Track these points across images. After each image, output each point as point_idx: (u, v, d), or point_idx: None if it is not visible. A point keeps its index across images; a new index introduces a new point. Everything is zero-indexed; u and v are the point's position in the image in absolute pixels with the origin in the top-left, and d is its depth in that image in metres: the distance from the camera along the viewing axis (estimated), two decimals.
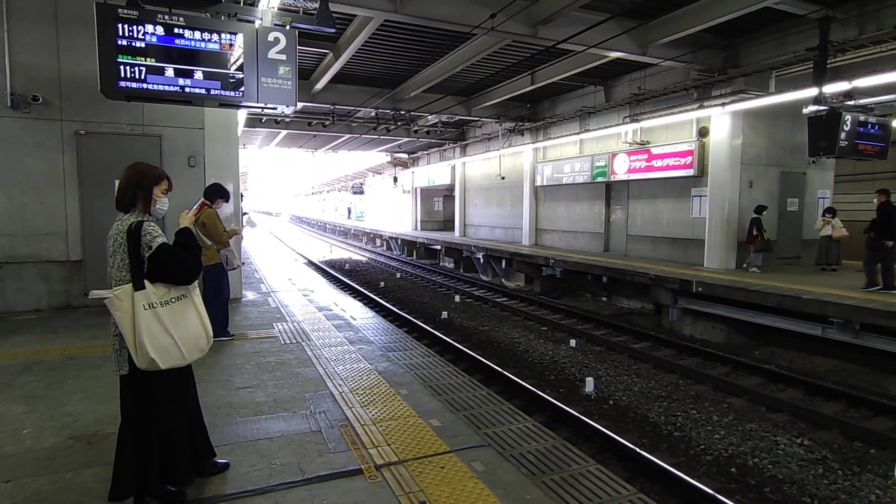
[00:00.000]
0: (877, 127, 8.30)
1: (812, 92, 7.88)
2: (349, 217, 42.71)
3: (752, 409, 5.99)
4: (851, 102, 8.01)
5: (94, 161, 6.79)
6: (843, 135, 7.86)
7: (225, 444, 3.04)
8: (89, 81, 5.55)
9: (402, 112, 14.71)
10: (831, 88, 7.89)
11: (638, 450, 4.67)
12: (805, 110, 8.05)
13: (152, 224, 2.39)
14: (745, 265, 10.21)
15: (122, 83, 3.91)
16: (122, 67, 3.89)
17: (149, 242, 2.33)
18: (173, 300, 2.39)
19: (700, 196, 11.00)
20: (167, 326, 2.34)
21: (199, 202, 5.26)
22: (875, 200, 7.99)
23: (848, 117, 7.87)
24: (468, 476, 2.76)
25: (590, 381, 6.61)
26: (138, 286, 2.30)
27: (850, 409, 6.00)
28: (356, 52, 10.15)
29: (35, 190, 6.69)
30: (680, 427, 5.49)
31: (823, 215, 10.45)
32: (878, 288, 7.75)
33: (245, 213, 6.21)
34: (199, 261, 2.54)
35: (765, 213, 10.07)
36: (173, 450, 2.43)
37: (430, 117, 16.55)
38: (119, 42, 3.87)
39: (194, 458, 2.58)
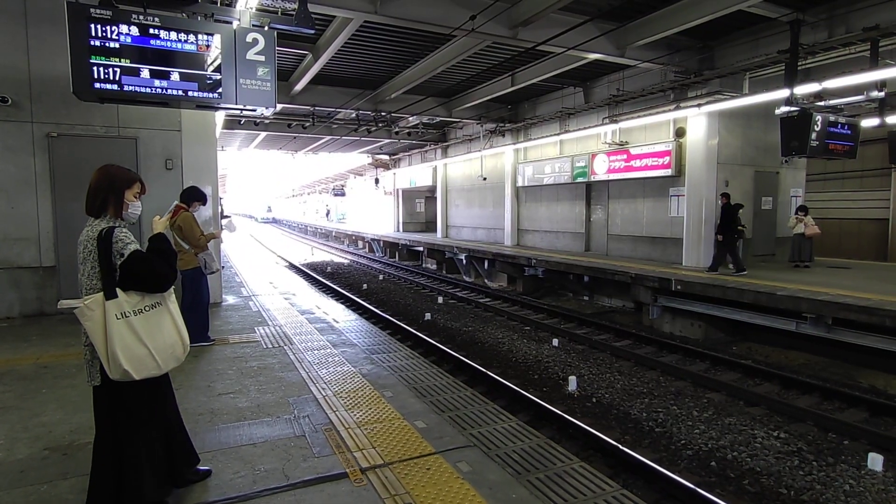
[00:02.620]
0: (846, 127, 8.55)
1: (784, 93, 8.08)
2: (327, 218, 42.39)
3: (731, 404, 6.11)
4: (822, 103, 8.23)
5: (68, 164, 6.62)
6: (814, 135, 8.08)
7: (207, 451, 3.00)
8: (61, 82, 5.43)
9: (382, 113, 14.66)
10: (802, 90, 8.11)
11: (620, 446, 4.73)
12: (777, 111, 8.25)
13: (124, 230, 2.31)
14: (729, 265, 10.41)
15: (96, 84, 3.82)
16: (95, 68, 3.80)
17: (120, 250, 2.25)
18: (147, 308, 2.32)
19: (678, 196, 11.20)
20: (141, 336, 2.26)
21: (174, 206, 5.18)
22: (719, 202, 9.68)
23: (818, 118, 8.09)
24: (454, 477, 2.76)
25: (572, 379, 6.67)
26: (110, 295, 2.21)
27: (823, 401, 6.17)
28: (336, 54, 10.09)
29: (4, 194, 6.49)
30: (661, 423, 5.58)
31: (796, 213, 10.73)
32: (735, 270, 9.53)
33: (227, 216, 6.10)
34: (174, 267, 2.47)
35: (740, 211, 10.29)
36: (151, 460, 2.37)
37: (411, 118, 16.54)
38: (92, 42, 3.77)
39: (174, 467, 2.53)
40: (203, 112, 7.11)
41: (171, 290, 2.46)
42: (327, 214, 42.72)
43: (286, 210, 63.63)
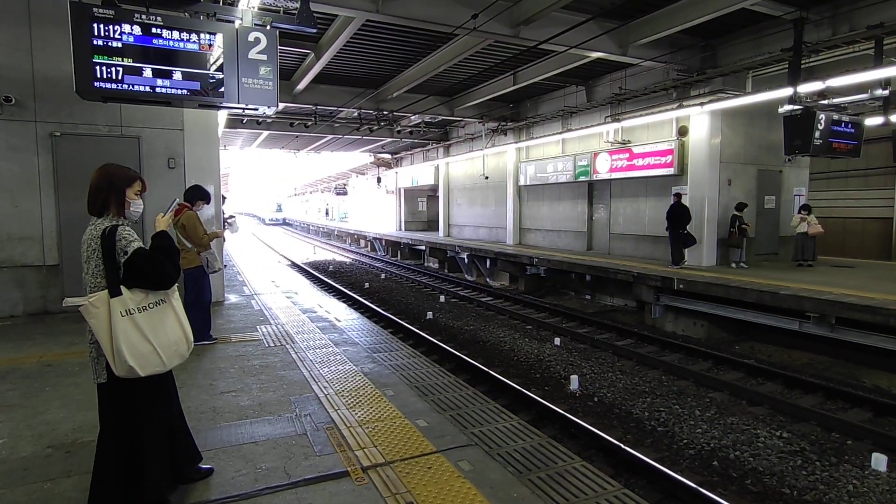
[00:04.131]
0: (850, 125, 8.51)
1: (787, 91, 8.05)
2: (326, 217, 42.52)
3: (734, 403, 6.10)
4: (825, 102, 8.19)
5: (71, 163, 6.64)
6: (817, 133, 8.04)
7: (209, 450, 3.00)
8: (64, 82, 5.43)
9: (384, 112, 14.67)
10: (806, 88, 8.07)
11: (622, 446, 4.72)
12: (781, 109, 8.22)
13: (127, 228, 2.33)
14: (732, 264, 10.40)
15: (99, 84, 3.83)
16: (97, 68, 3.80)
17: (124, 248, 2.26)
18: (151, 305, 2.33)
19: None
20: (146, 333, 2.28)
21: (175, 204, 5.18)
22: (672, 200, 10.36)
23: (822, 116, 8.06)
24: (455, 476, 2.76)
25: (574, 378, 6.66)
26: (114, 292, 2.23)
27: (826, 401, 6.15)
28: (338, 53, 10.09)
29: (8, 193, 6.51)
30: (663, 422, 5.57)
31: (799, 212, 10.70)
32: (679, 263, 10.33)
33: (232, 217, 6.09)
34: (177, 265, 2.48)
35: (745, 210, 10.29)
36: (156, 458, 2.38)
37: (413, 117, 16.53)
38: (95, 42, 3.78)
39: (176, 464, 2.54)
40: (205, 111, 7.12)
41: (175, 287, 2.48)
42: (326, 213, 42.88)
43: (290, 209, 62.44)
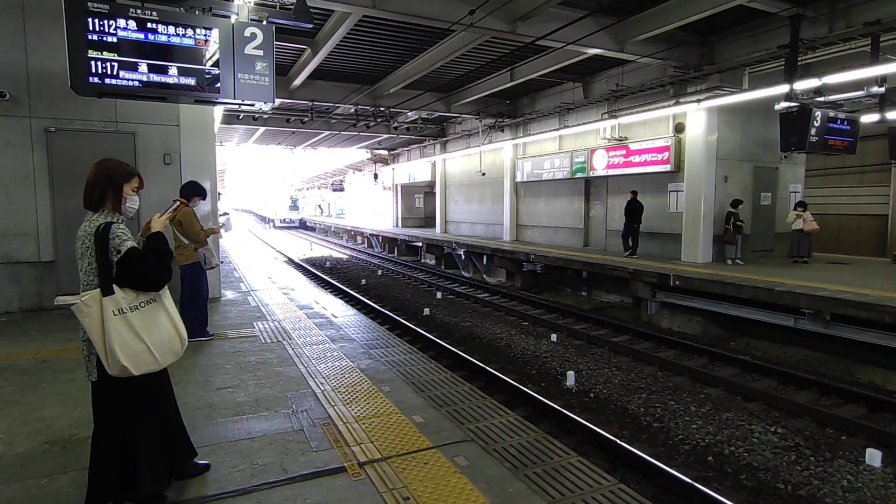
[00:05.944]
0: (846, 122, 8.54)
1: (784, 88, 8.06)
2: (321, 214, 42.46)
3: (729, 399, 6.13)
4: (821, 99, 8.21)
5: (66, 159, 6.60)
6: (813, 130, 8.07)
7: (206, 446, 3.01)
8: (59, 77, 5.39)
9: (381, 108, 14.62)
10: (802, 85, 8.08)
11: (618, 441, 4.75)
12: (777, 106, 8.23)
13: (122, 227, 2.30)
14: (728, 260, 10.44)
15: (93, 79, 3.81)
16: (92, 63, 3.78)
17: (117, 246, 2.24)
18: (143, 304, 2.32)
19: (677, 191, 11.20)
20: (138, 332, 2.26)
21: (175, 205, 5.16)
22: (629, 196, 11.52)
23: (818, 113, 8.08)
24: (452, 471, 2.77)
25: (571, 374, 6.69)
26: (107, 291, 2.22)
27: (821, 397, 6.19)
28: (334, 48, 10.05)
29: (3, 189, 6.47)
30: (659, 418, 5.60)
31: (795, 209, 10.74)
32: (630, 253, 11.59)
33: (225, 214, 6.06)
34: (169, 267, 2.45)
35: (740, 206, 10.32)
36: (149, 455, 2.37)
37: (409, 114, 16.47)
38: (89, 37, 3.76)
39: (172, 461, 2.54)
40: (201, 107, 7.09)
41: (166, 286, 2.46)
42: (321, 211, 42.88)
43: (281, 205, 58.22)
